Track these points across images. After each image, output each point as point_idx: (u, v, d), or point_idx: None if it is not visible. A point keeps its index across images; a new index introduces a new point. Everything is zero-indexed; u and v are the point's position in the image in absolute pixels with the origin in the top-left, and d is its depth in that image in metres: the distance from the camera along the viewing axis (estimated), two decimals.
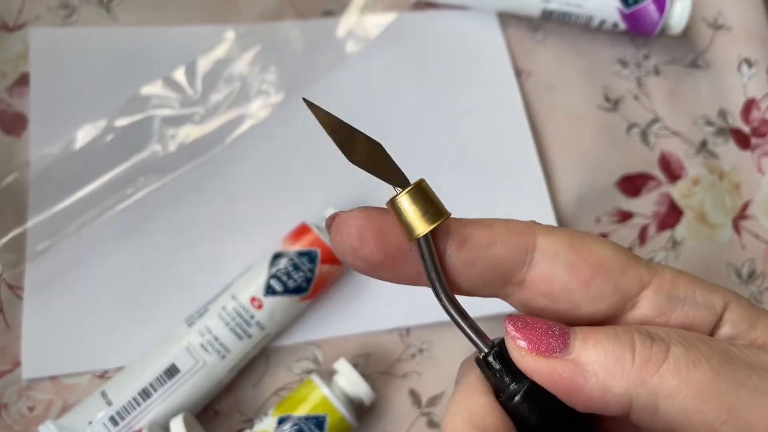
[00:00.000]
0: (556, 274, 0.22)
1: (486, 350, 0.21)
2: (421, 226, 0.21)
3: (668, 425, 0.19)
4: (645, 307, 0.22)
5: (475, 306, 0.23)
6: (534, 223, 0.22)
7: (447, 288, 0.21)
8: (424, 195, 0.21)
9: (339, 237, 0.21)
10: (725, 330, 0.22)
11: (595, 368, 0.20)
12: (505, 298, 0.23)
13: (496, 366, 0.21)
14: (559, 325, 0.21)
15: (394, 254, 0.21)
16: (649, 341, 0.20)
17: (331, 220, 0.22)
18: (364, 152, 0.22)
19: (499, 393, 0.22)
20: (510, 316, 0.21)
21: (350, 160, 0.21)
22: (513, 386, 0.21)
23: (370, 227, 0.21)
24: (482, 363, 0.22)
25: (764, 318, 0.22)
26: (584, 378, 0.20)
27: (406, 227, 0.21)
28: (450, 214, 0.21)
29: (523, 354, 0.20)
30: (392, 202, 0.21)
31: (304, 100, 0.22)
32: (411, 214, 0.21)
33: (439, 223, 0.21)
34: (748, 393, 0.18)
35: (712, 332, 0.22)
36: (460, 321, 0.22)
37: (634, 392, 0.19)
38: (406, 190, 0.21)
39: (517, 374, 0.21)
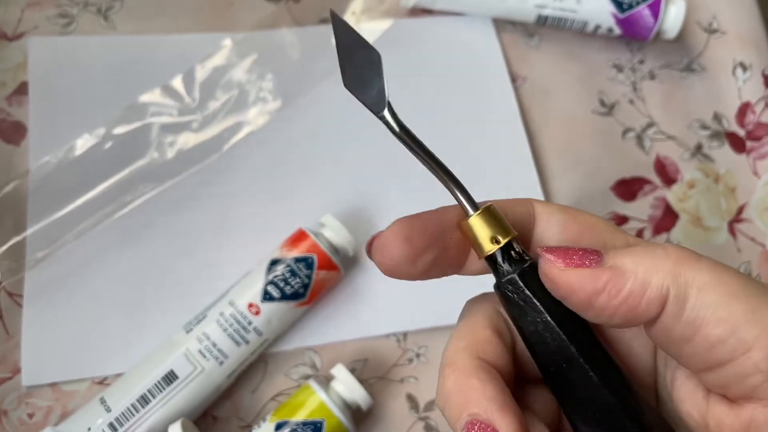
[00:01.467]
0: (551, 231, 0.24)
1: (472, 212, 0.23)
2: (487, 249, 0.23)
3: (694, 321, 0.20)
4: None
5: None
6: (530, 198, 0.25)
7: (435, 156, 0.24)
8: (492, 216, 0.23)
9: (383, 261, 0.23)
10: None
11: (634, 267, 0.21)
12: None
13: (483, 229, 0.22)
14: (590, 248, 0.22)
15: (436, 249, 0.23)
16: (682, 248, 0.21)
17: (370, 246, 0.23)
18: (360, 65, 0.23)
19: (497, 274, 0.23)
20: (544, 247, 0.22)
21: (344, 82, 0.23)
22: (507, 267, 0.22)
23: (408, 246, 0.23)
24: (467, 226, 0.23)
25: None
26: (624, 279, 0.21)
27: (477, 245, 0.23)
28: (515, 234, 0.23)
29: (562, 270, 0.21)
30: (464, 224, 0.23)
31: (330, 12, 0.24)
32: (479, 235, 0.23)
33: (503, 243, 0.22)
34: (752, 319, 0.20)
35: None
36: (449, 183, 0.23)
37: (670, 284, 0.20)
38: (477, 212, 0.23)
39: (513, 262, 0.22)
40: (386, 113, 0.23)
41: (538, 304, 0.22)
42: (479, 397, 0.21)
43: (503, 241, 0.22)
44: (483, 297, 0.25)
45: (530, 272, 0.22)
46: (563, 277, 0.21)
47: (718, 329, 0.20)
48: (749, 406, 0.21)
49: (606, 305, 0.21)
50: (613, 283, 0.21)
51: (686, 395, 0.24)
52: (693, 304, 0.20)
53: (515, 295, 0.22)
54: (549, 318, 0.22)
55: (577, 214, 0.24)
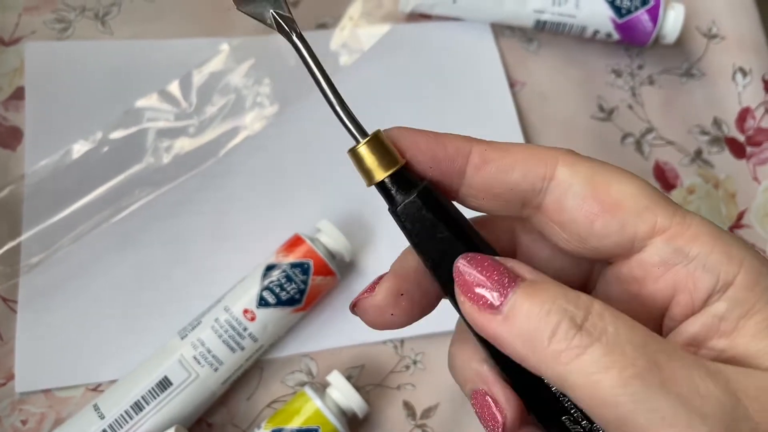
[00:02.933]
0: (565, 205, 0.22)
1: (361, 139, 0.23)
2: (378, 175, 0.22)
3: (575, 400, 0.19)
4: (648, 253, 0.21)
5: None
6: (561, 151, 0.23)
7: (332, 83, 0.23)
8: (381, 145, 0.23)
9: (374, 324, 0.24)
10: (719, 306, 0.21)
11: (515, 340, 0.19)
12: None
13: (371, 157, 0.22)
14: (501, 281, 0.20)
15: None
16: (573, 332, 0.19)
17: (354, 306, 0.24)
18: None
19: (390, 201, 0.23)
20: (466, 255, 0.21)
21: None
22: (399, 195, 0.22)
23: (397, 311, 0.24)
24: (356, 155, 0.23)
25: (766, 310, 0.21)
26: (507, 341, 0.20)
27: (366, 174, 0.23)
28: (404, 162, 0.23)
29: (462, 300, 0.21)
30: (352, 151, 0.23)
31: None
32: (369, 163, 0.23)
33: (392, 171, 0.22)
34: (643, 413, 0.18)
35: (708, 298, 0.21)
36: (339, 111, 0.23)
37: (544, 370, 0.19)
38: (365, 140, 0.22)
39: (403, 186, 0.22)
40: (276, 19, 0.23)
41: (435, 225, 0.22)
42: (482, 374, 0.23)
43: (393, 169, 0.22)
44: None
45: (420, 199, 0.22)
46: (463, 306, 0.21)
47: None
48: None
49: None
50: (495, 332, 0.20)
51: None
52: (571, 396, 0.19)
53: (411, 221, 0.22)
54: (447, 235, 0.22)
55: (604, 188, 0.22)
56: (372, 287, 0.24)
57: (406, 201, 0.22)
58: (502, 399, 0.22)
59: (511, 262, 0.21)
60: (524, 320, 0.19)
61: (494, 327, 0.20)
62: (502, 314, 0.20)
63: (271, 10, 0.23)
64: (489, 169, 0.23)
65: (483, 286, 0.20)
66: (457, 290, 0.21)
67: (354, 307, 0.24)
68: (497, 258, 0.21)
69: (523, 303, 0.19)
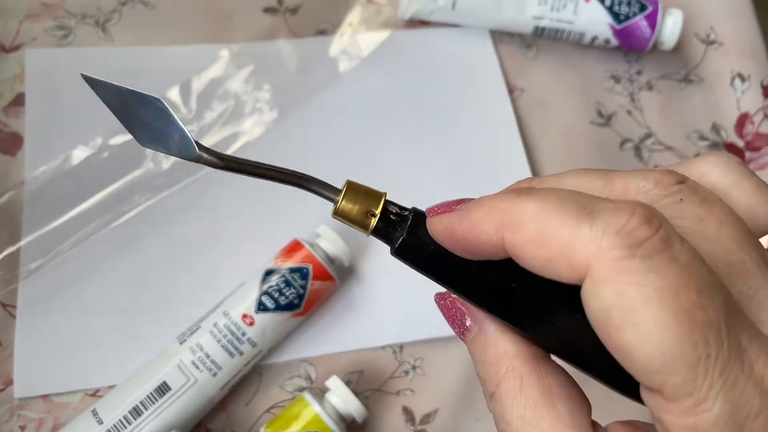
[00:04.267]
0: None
1: (337, 198, 0.21)
2: (369, 225, 0.21)
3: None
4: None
5: None
6: (594, 252, 0.18)
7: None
8: (356, 191, 0.21)
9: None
10: None
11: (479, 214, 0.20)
12: None
13: (354, 208, 0.21)
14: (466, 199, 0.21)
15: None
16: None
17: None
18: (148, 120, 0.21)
19: (390, 243, 0.21)
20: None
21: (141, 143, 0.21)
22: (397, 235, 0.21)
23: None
24: (341, 214, 0.21)
25: None
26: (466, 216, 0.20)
27: (360, 226, 0.22)
28: (384, 197, 0.22)
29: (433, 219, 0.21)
30: (336, 213, 0.21)
31: (82, 75, 0.21)
32: (355, 216, 0.21)
33: (376, 220, 0.21)
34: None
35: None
36: (303, 182, 0.22)
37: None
38: (341, 197, 0.21)
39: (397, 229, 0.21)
40: (202, 154, 0.21)
41: (437, 251, 0.21)
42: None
43: (377, 211, 0.21)
44: None
45: (416, 226, 0.21)
46: (434, 225, 0.20)
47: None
48: None
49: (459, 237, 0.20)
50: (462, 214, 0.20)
51: None
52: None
53: (416, 253, 0.21)
54: (452, 259, 0.21)
55: (620, 331, 0.17)
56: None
57: (398, 243, 0.21)
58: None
59: (468, 305, 0.22)
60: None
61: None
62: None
63: (203, 155, 0.21)
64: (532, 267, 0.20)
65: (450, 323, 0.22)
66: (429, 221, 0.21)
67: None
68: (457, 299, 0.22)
69: (469, 350, 0.22)
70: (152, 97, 0.20)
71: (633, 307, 0.16)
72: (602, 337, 0.17)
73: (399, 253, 0.21)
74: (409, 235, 0.21)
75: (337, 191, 0.21)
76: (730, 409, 0.16)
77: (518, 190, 0.19)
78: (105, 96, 0.21)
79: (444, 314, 0.23)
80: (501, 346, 0.21)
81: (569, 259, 0.17)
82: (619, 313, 0.16)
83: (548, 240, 0.17)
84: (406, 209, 0.22)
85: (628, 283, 0.16)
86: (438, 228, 0.20)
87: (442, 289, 0.22)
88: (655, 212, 0.17)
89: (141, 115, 0.21)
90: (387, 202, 0.21)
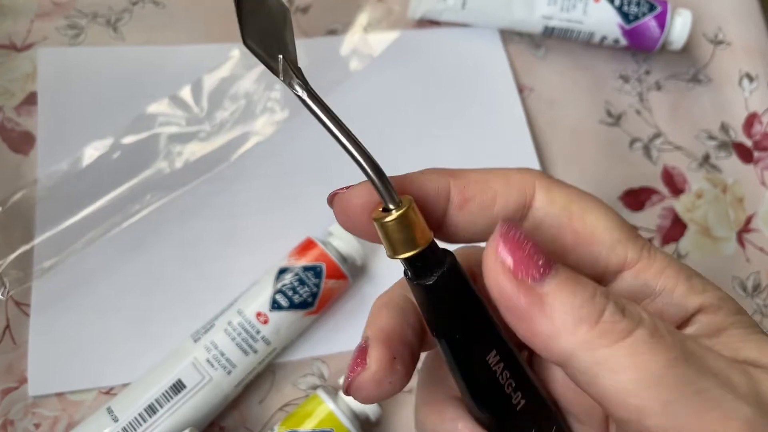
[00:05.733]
0: (542, 232, 0.22)
1: (393, 207, 0.20)
2: (399, 252, 0.21)
3: (600, 396, 0.19)
4: (618, 286, 0.22)
5: None
6: (536, 176, 0.22)
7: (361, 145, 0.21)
8: (408, 221, 0.20)
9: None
10: (689, 330, 0.22)
11: (555, 314, 0.18)
12: None
13: (393, 234, 0.20)
14: (546, 255, 0.19)
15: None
16: (619, 316, 0.18)
17: (347, 390, 0.23)
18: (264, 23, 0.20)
19: (414, 271, 0.21)
20: (505, 222, 0.20)
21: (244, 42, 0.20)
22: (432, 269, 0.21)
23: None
24: (380, 222, 0.21)
25: (732, 329, 0.21)
26: (541, 315, 0.19)
27: (390, 246, 0.21)
28: (431, 239, 0.21)
29: (497, 267, 0.19)
30: (378, 221, 0.21)
31: None
32: (394, 237, 0.21)
33: (410, 254, 0.20)
34: (691, 395, 0.18)
35: (678, 328, 0.22)
36: (373, 176, 0.21)
37: (578, 355, 0.18)
38: (397, 215, 0.20)
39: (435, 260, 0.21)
40: (296, 83, 0.20)
41: (447, 312, 0.21)
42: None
43: (421, 247, 0.20)
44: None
45: (444, 281, 0.20)
46: (496, 275, 0.19)
47: (625, 412, 0.18)
48: None
49: (512, 321, 0.19)
50: (528, 310, 0.19)
51: None
52: (603, 383, 0.18)
53: (428, 295, 0.21)
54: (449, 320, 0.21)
55: (580, 218, 0.22)
56: (360, 361, 0.22)
57: (428, 282, 0.21)
58: None
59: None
60: (568, 299, 0.19)
61: (532, 298, 0.19)
62: (543, 288, 0.19)
63: (296, 86, 0.20)
64: (470, 207, 0.22)
65: (525, 261, 0.19)
66: (497, 257, 0.19)
67: (348, 389, 0.22)
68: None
69: (566, 282, 0.19)
70: (283, 4, 0.21)
71: (581, 198, 0.22)
72: (564, 236, 0.21)
73: (416, 284, 0.21)
74: (435, 284, 0.21)
75: (395, 200, 0.20)
76: (662, 250, 0.22)
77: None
78: None
79: (518, 263, 0.19)
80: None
81: (514, 185, 0.22)
82: (577, 205, 0.22)
83: (492, 181, 0.22)
84: (443, 256, 0.21)
85: (569, 186, 0.23)
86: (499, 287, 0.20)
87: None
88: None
89: (261, 16, 0.20)
90: (429, 245, 0.21)
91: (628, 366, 0.18)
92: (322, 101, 0.21)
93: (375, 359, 0.22)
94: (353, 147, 0.21)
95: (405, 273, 0.22)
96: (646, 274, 0.22)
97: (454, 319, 0.21)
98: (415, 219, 0.20)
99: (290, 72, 0.20)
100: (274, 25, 0.20)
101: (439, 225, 0.23)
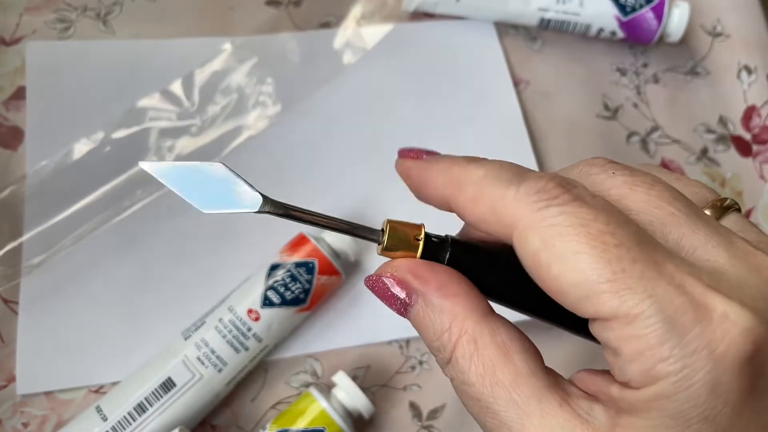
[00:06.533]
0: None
1: (381, 241, 0.23)
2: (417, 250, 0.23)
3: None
4: (594, 332, 0.20)
5: None
6: (520, 208, 0.21)
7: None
8: (396, 229, 0.23)
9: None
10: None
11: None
12: None
13: (398, 250, 0.23)
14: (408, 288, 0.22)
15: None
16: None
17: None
18: None
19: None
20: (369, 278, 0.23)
21: None
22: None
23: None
24: (384, 254, 0.23)
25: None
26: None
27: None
28: (422, 232, 0.23)
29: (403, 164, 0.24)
30: (385, 250, 0.23)
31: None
32: (401, 249, 0.23)
33: (419, 252, 0.23)
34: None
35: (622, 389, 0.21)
36: (353, 231, 0.23)
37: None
38: (385, 237, 0.23)
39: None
40: (266, 206, 0.22)
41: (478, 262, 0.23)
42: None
43: (422, 237, 0.23)
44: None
45: (456, 247, 0.23)
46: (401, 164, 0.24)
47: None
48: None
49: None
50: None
51: None
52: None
53: (461, 264, 0.23)
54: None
55: (548, 266, 0.20)
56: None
57: (446, 259, 0.23)
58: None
59: (407, 276, 0.23)
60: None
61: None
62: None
63: (268, 208, 0.23)
64: (468, 222, 0.23)
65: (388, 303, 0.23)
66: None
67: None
68: (396, 273, 0.23)
69: (414, 324, 0.23)
70: (212, 165, 0.22)
71: (553, 245, 0.19)
72: (538, 282, 0.20)
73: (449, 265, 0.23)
74: (453, 249, 0.23)
75: (380, 232, 0.23)
76: (659, 308, 0.18)
77: (471, 158, 0.22)
78: (164, 176, 0.22)
79: (379, 295, 0.23)
80: (448, 311, 0.22)
81: (499, 216, 0.20)
82: (545, 253, 0.19)
83: (481, 200, 0.21)
84: (441, 236, 0.24)
85: (548, 226, 0.19)
86: (402, 168, 0.24)
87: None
88: (571, 180, 0.20)
89: (198, 186, 0.22)
90: (425, 233, 0.23)
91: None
92: (297, 209, 0.23)
93: None
94: (330, 222, 0.23)
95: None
96: (609, 333, 0.19)
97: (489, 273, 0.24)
98: (400, 231, 0.23)
99: (259, 207, 0.22)
100: (220, 182, 0.22)
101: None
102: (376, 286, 0.23)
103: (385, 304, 0.23)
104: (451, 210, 0.22)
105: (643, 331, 0.18)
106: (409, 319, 0.23)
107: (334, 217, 0.23)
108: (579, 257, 0.18)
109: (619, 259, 0.18)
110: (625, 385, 0.19)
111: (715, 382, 0.17)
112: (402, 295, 0.22)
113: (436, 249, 0.23)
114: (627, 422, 0.19)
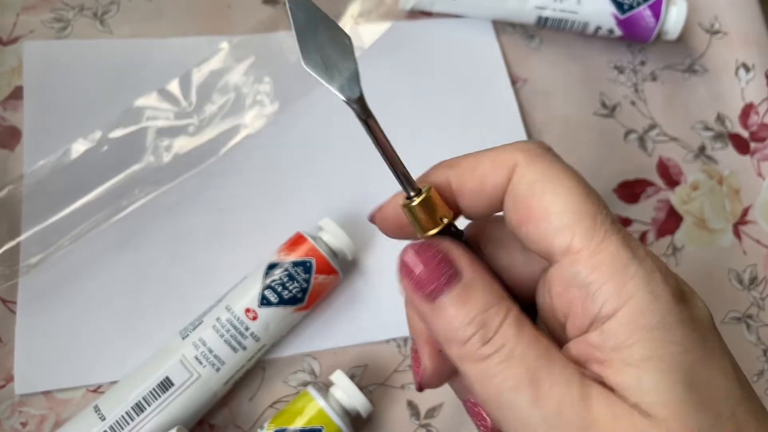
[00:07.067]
0: (507, 206, 0.24)
1: (412, 194, 0.24)
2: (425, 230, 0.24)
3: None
4: (556, 269, 0.22)
5: None
6: (519, 151, 0.24)
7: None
8: (430, 204, 0.24)
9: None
10: (593, 336, 0.22)
11: (438, 330, 0.23)
12: None
13: (419, 214, 0.24)
14: (452, 269, 0.23)
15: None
16: (481, 344, 0.22)
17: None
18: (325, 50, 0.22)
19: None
20: (414, 245, 0.24)
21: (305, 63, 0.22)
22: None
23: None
24: (407, 208, 0.24)
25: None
26: (436, 321, 0.23)
27: (419, 226, 0.24)
28: (451, 218, 0.24)
29: (406, 276, 0.23)
30: (406, 206, 0.24)
31: None
32: (421, 217, 0.24)
33: (434, 231, 0.24)
34: (511, 420, 0.21)
35: (590, 326, 0.22)
36: (401, 178, 0.24)
37: (456, 362, 0.23)
38: (419, 199, 0.24)
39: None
40: (358, 102, 0.22)
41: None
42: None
43: (441, 226, 0.24)
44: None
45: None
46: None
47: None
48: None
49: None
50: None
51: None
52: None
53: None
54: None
55: (539, 195, 0.23)
56: (417, 364, 0.26)
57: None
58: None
59: (455, 252, 0.23)
60: (449, 320, 0.22)
61: (425, 311, 0.23)
62: (433, 305, 0.22)
63: (356, 104, 0.22)
64: (465, 193, 0.25)
65: (424, 279, 0.23)
66: (400, 272, 0.23)
67: (420, 388, 0.27)
68: (442, 247, 0.23)
69: (450, 306, 0.22)
70: (342, 30, 0.22)
71: (550, 178, 0.23)
72: (520, 212, 0.23)
73: None
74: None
75: (419, 190, 0.24)
76: (623, 242, 0.21)
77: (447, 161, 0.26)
78: (296, 10, 0.22)
79: (425, 264, 0.23)
80: (494, 290, 0.23)
81: (499, 165, 0.23)
82: (541, 184, 0.23)
83: (481, 164, 0.24)
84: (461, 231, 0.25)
85: (549, 163, 0.23)
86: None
87: None
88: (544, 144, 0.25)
89: (320, 40, 0.22)
90: (450, 223, 0.24)
91: (478, 381, 0.22)
92: (375, 123, 0.23)
93: (427, 358, 0.26)
94: (391, 155, 0.24)
95: None
96: (582, 264, 0.21)
97: None
98: (436, 202, 0.24)
99: (356, 96, 0.22)
100: (335, 49, 0.22)
101: (457, 212, 0.26)
102: (427, 254, 0.23)
103: (422, 278, 0.23)
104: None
105: (612, 257, 0.21)
106: (443, 299, 0.22)
107: (395, 152, 0.23)
108: (571, 192, 0.22)
109: (599, 203, 0.22)
110: (596, 322, 0.21)
111: (665, 294, 0.21)
112: (449, 270, 0.23)
113: (453, 236, 0.24)
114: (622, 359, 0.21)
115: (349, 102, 0.22)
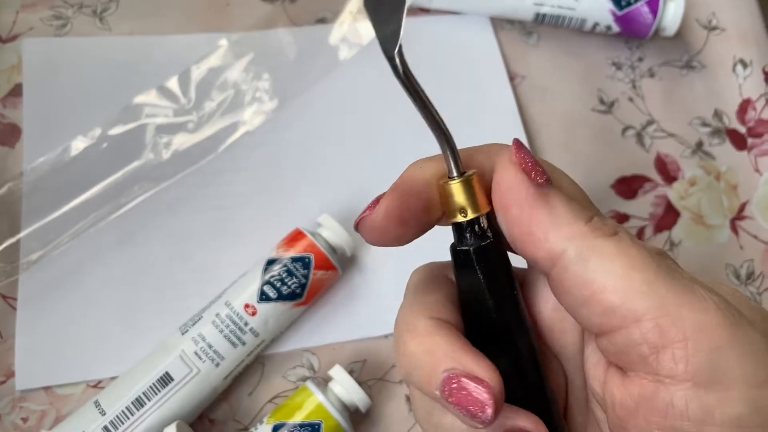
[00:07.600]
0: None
1: (456, 176, 0.23)
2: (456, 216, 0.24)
3: (591, 284, 0.21)
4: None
5: None
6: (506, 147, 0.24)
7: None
8: (469, 188, 0.24)
9: (376, 241, 0.25)
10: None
11: (556, 207, 0.22)
12: None
13: (460, 196, 0.23)
14: (547, 172, 0.23)
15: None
16: (606, 221, 0.22)
17: (358, 224, 0.25)
18: None
19: (458, 238, 0.24)
20: (517, 140, 0.24)
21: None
22: (470, 238, 0.24)
23: (401, 227, 0.24)
24: (446, 189, 0.24)
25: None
26: (544, 206, 0.22)
27: (448, 209, 0.24)
28: (486, 211, 0.24)
29: (511, 166, 0.23)
30: (443, 185, 0.24)
31: None
32: (456, 199, 0.24)
33: (472, 217, 0.24)
34: (670, 279, 0.21)
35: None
36: (443, 140, 0.24)
37: (575, 242, 0.21)
38: (459, 179, 0.23)
39: (477, 233, 0.24)
40: (397, 58, 0.22)
41: (482, 281, 0.23)
42: (449, 352, 0.22)
43: (471, 216, 0.23)
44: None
45: (484, 251, 0.23)
46: (509, 174, 0.23)
47: (612, 296, 0.21)
48: (637, 380, 0.21)
49: (514, 219, 0.23)
50: (532, 204, 0.22)
51: (592, 368, 0.24)
52: (594, 268, 0.21)
53: (466, 265, 0.24)
54: (488, 296, 0.24)
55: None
56: (372, 205, 0.24)
57: (473, 246, 0.23)
58: (482, 371, 0.22)
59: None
60: (567, 200, 0.22)
61: (535, 192, 0.22)
62: (547, 189, 0.22)
63: (396, 57, 0.22)
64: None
65: (535, 166, 0.23)
66: (510, 156, 0.23)
67: (356, 226, 0.25)
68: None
69: (562, 192, 0.23)
70: None
71: (603, 260, 0.22)
72: (576, 285, 0.22)
73: (456, 252, 0.24)
74: (476, 251, 0.23)
75: (459, 170, 0.24)
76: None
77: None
78: None
79: (530, 165, 0.23)
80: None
81: (553, 236, 0.22)
82: (596, 264, 0.22)
83: (473, 159, 0.25)
84: (491, 233, 0.24)
85: (602, 245, 0.22)
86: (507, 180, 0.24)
87: None
88: (609, 221, 0.23)
89: None
90: (482, 216, 0.24)
91: (617, 254, 0.21)
92: (416, 80, 0.23)
93: (383, 207, 0.24)
94: (439, 122, 0.24)
95: (454, 246, 0.24)
96: (639, 332, 0.21)
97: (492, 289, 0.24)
98: (475, 189, 0.23)
99: (393, 53, 0.22)
100: (392, 1, 0.22)
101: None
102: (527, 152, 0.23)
103: (530, 168, 0.23)
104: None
105: (674, 324, 0.20)
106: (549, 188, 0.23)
107: (441, 120, 0.24)
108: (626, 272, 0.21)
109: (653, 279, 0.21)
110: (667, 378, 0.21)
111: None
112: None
113: (470, 234, 0.24)
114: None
115: (385, 56, 0.22)
